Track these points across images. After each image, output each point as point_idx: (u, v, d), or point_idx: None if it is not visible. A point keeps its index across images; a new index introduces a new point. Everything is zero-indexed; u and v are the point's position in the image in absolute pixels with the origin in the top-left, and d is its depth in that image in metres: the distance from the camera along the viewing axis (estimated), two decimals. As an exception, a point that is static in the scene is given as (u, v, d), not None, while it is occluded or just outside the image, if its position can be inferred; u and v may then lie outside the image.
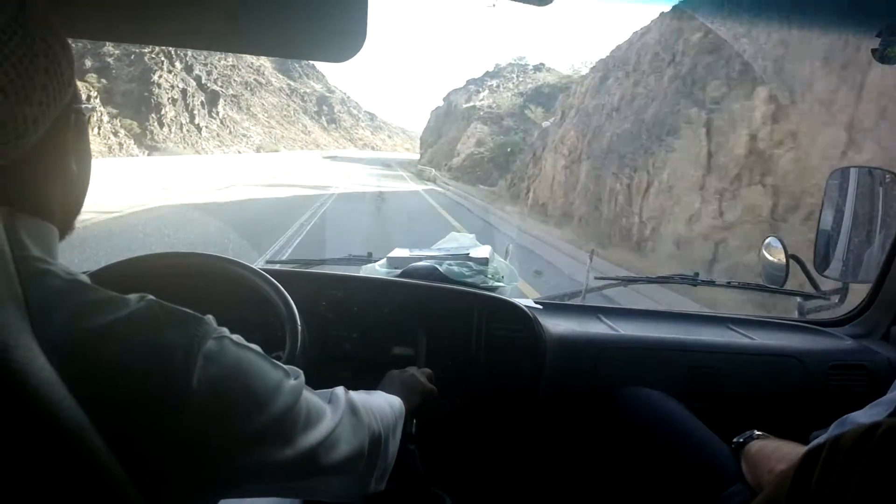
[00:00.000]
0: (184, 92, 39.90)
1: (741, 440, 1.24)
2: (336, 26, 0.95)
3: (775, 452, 1.13)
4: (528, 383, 1.57)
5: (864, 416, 0.97)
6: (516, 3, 0.95)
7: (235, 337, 0.64)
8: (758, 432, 1.23)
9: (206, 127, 41.75)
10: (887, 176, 1.69)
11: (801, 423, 1.15)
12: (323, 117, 71.99)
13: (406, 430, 1.09)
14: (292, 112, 61.94)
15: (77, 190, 0.69)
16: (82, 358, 0.52)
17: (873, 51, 1.46)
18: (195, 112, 40.89)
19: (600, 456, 1.63)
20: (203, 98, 43.27)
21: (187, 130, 38.64)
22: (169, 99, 37.59)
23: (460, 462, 1.64)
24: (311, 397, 0.70)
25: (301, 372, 0.70)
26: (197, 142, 38.83)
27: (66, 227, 0.68)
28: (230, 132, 45.04)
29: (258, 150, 45.21)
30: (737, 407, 1.58)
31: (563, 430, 1.66)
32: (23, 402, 0.45)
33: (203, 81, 44.75)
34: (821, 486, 0.53)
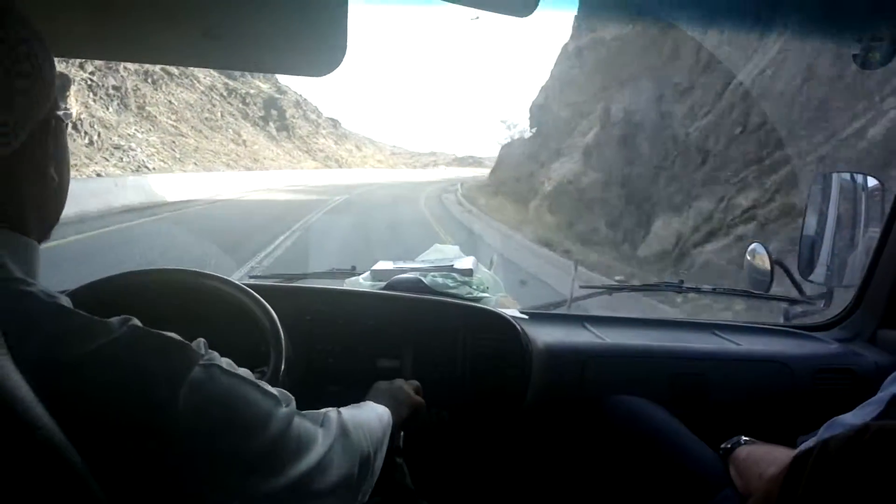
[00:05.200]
0: None
1: (729, 446, 1.24)
2: (316, 40, 0.94)
3: (764, 457, 1.12)
4: (514, 393, 1.56)
5: (853, 417, 0.97)
6: (499, 14, 0.95)
7: (225, 363, 0.62)
8: (745, 438, 1.23)
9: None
10: (869, 180, 1.70)
11: (788, 428, 1.15)
12: (271, 123, 55.26)
13: (394, 443, 1.07)
14: (219, 115, 44.31)
15: (56, 199, 0.67)
16: (62, 385, 0.51)
17: (854, 56, 1.48)
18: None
19: (588, 465, 1.62)
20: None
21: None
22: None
23: (449, 474, 1.62)
24: (302, 423, 0.68)
25: (292, 398, 0.69)
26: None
27: (42, 237, 0.67)
28: (91, 142, 25.06)
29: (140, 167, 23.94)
30: (723, 413, 1.58)
31: (550, 440, 1.64)
32: None
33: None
34: (810, 490, 0.52)
